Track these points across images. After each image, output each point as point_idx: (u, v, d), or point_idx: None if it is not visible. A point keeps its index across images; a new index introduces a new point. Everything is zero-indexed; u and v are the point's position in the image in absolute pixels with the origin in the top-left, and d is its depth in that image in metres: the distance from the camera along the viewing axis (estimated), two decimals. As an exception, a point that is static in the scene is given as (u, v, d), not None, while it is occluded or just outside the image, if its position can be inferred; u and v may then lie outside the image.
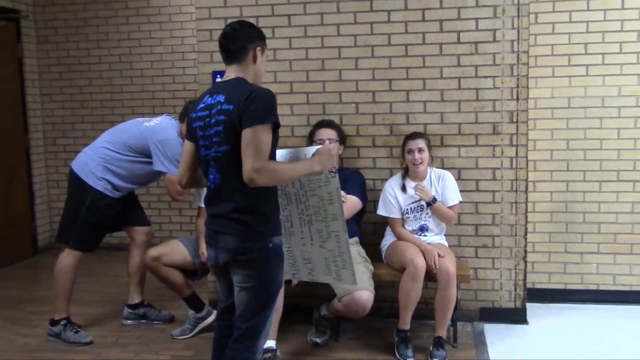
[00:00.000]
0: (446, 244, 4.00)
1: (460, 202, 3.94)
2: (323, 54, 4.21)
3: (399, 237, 3.93)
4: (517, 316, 4.22)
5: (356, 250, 3.89)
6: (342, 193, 3.80)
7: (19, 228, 6.30)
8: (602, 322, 4.30)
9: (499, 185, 4.11)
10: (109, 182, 3.98)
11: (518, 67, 4.01)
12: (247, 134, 2.44)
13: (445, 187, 3.89)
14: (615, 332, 4.13)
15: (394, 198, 3.91)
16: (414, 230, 3.92)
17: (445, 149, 4.13)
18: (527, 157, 4.09)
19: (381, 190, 4.03)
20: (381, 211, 3.98)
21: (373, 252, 4.04)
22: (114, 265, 5.80)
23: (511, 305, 4.22)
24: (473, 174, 4.13)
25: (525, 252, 4.16)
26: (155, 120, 4.10)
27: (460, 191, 3.97)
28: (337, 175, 2.79)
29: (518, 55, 4.00)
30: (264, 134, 2.45)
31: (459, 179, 4.07)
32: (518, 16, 3.97)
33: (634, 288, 4.57)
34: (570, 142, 4.54)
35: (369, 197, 4.11)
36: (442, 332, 3.73)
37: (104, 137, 4.11)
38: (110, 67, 6.45)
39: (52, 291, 4.12)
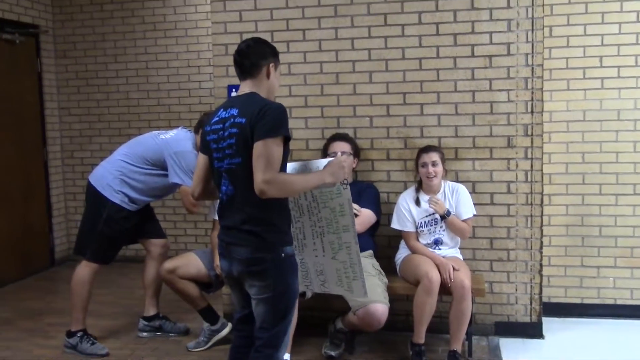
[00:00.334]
0: (461, 257, 3.99)
1: (474, 215, 3.93)
2: (337, 67, 4.23)
3: (413, 251, 3.92)
4: (533, 330, 4.19)
5: (370, 263, 3.89)
6: (357, 206, 3.82)
7: (37, 240, 6.37)
8: (619, 337, 4.26)
9: (514, 199, 4.09)
10: (126, 195, 4.02)
11: (532, 80, 4.01)
12: (258, 146, 2.49)
13: (459, 200, 3.88)
14: (632, 347, 4.08)
15: (407, 211, 3.92)
16: (429, 244, 3.91)
17: (459, 162, 4.13)
18: (542, 170, 4.08)
19: (395, 203, 4.03)
20: (395, 224, 3.98)
21: (387, 265, 4.04)
22: (130, 277, 5.84)
23: (527, 319, 4.19)
24: (487, 187, 4.12)
25: (541, 265, 4.14)
26: (171, 133, 4.14)
27: (475, 204, 3.96)
28: (348, 187, 2.81)
29: (532, 68, 4.00)
30: (274, 146, 2.49)
31: (473, 192, 4.06)
32: (532, 30, 3.97)
33: (652, 302, 4.53)
34: (585, 155, 4.52)
35: (383, 210, 4.11)
36: (457, 346, 3.71)
37: (120, 150, 4.16)
38: (127, 81, 6.53)
39: (69, 303, 4.16)
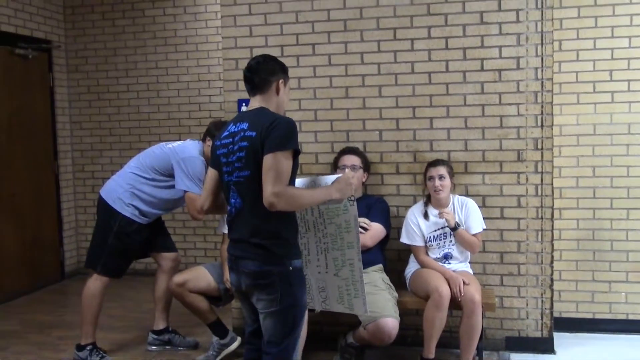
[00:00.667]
0: (471, 271, 3.97)
1: (484, 229, 3.91)
2: (347, 82, 4.25)
3: (423, 265, 3.91)
4: (544, 346, 4.15)
5: (380, 277, 3.88)
6: (367, 220, 3.82)
7: (47, 253, 6.40)
8: (631, 352, 4.21)
9: (524, 213, 4.08)
10: (137, 208, 4.04)
11: (542, 94, 4.00)
12: (268, 159, 2.52)
13: (468, 214, 3.87)
14: (645, 363, 4.04)
15: (416, 226, 3.91)
16: (438, 258, 3.90)
17: (469, 176, 4.12)
18: (552, 184, 4.06)
19: (404, 217, 4.02)
20: (404, 239, 3.97)
21: (397, 280, 4.03)
22: (139, 291, 5.85)
23: (538, 334, 4.15)
24: (498, 201, 4.11)
25: (552, 280, 4.11)
26: (179, 142, 4.19)
27: (485, 218, 3.95)
28: (355, 203, 2.82)
29: (542, 82, 4.00)
30: (284, 160, 2.52)
31: (483, 206, 4.05)
32: (542, 43, 3.98)
33: (665, 318, 4.49)
34: (596, 169, 4.50)
35: (393, 224, 4.10)
36: (468, 361, 3.69)
37: (131, 164, 4.19)
38: (138, 95, 6.58)
39: (79, 316, 4.17)
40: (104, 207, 4.09)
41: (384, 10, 4.15)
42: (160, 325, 4.37)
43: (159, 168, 4.06)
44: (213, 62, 6.36)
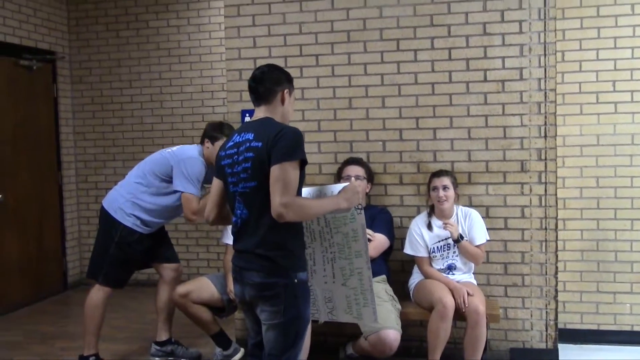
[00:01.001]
0: (475, 282, 3.96)
1: (487, 240, 3.90)
2: (350, 92, 4.26)
3: (427, 276, 3.90)
4: (548, 357, 4.13)
5: (383, 288, 3.87)
6: (370, 231, 3.81)
7: (50, 264, 6.39)
8: (637, 364, 4.20)
9: (528, 223, 4.07)
10: (138, 218, 4.03)
11: (546, 104, 4.01)
12: (275, 170, 2.50)
13: (472, 225, 3.87)
14: (651, 375, 4.02)
15: (419, 236, 3.90)
16: (442, 269, 3.89)
17: (473, 187, 4.11)
18: (556, 194, 4.06)
19: (408, 228, 4.01)
20: (408, 250, 3.96)
21: (401, 290, 4.02)
22: (142, 302, 5.83)
23: (542, 345, 4.13)
24: (501, 212, 4.10)
25: (556, 291, 4.10)
26: (178, 146, 4.21)
27: (489, 229, 3.94)
28: (362, 212, 2.81)
29: (545, 93, 4.00)
30: (291, 170, 2.51)
31: (487, 216, 4.04)
32: (545, 54, 3.99)
33: (670, 329, 4.46)
34: (600, 179, 4.50)
35: (397, 234, 4.10)
36: (472, 373, 3.66)
37: (131, 173, 4.18)
38: (142, 106, 6.60)
39: (82, 327, 4.16)
40: (105, 218, 4.09)
41: (387, 21, 4.17)
42: (163, 336, 4.35)
43: (159, 173, 4.04)
44: (216, 73, 6.38)
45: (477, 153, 4.11)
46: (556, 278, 4.09)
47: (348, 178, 3.94)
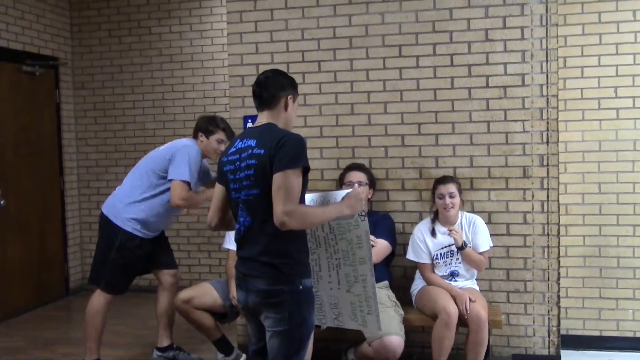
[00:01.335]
0: (477, 288, 3.95)
1: (491, 247, 3.90)
2: (352, 98, 4.26)
3: (429, 282, 3.89)
4: (551, 363, 4.13)
5: (386, 294, 3.87)
6: (372, 237, 3.81)
7: (52, 269, 6.39)
8: (639, 371, 4.19)
9: (530, 229, 4.07)
10: (138, 222, 4.01)
11: (548, 110, 4.01)
12: (278, 178, 2.48)
13: (476, 232, 3.86)
14: (654, 381, 4.01)
15: (422, 243, 3.89)
16: (444, 276, 3.88)
17: (475, 193, 4.11)
18: (558, 200, 4.05)
19: (411, 233, 4.01)
20: (410, 256, 3.95)
21: (403, 296, 4.01)
22: (143, 308, 5.82)
23: (545, 352, 4.12)
24: (503, 218, 4.10)
25: (559, 297, 4.09)
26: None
27: (491, 235, 3.94)
28: (366, 218, 2.80)
29: (547, 99, 4.00)
30: (294, 177, 2.49)
31: (489, 222, 4.04)
32: (547, 60, 3.99)
33: (673, 335, 4.45)
34: (602, 185, 4.50)
35: (399, 240, 4.09)
36: (474, 379, 3.66)
37: (128, 177, 4.17)
38: (144, 112, 6.61)
39: (83, 332, 4.15)
40: (105, 224, 4.09)
41: (389, 27, 4.18)
42: (164, 342, 4.34)
43: (157, 169, 4.02)
44: (219, 79, 6.39)
45: (479, 159, 4.11)
46: (558, 284, 4.08)
47: (350, 184, 3.94)
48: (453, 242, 3.80)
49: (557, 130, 4.04)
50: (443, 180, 3.89)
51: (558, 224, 4.06)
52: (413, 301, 3.99)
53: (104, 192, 6.57)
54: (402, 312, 3.83)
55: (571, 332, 4.53)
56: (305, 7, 4.28)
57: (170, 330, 4.34)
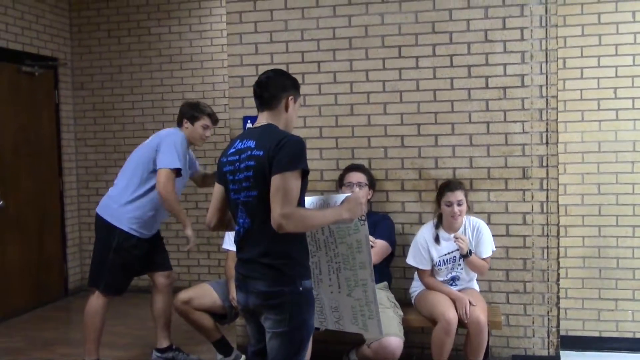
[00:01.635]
0: (477, 288, 3.95)
1: (493, 251, 3.87)
2: (352, 99, 4.26)
3: (428, 287, 3.86)
4: (550, 364, 4.13)
5: (385, 295, 3.86)
6: (371, 238, 3.80)
7: (51, 270, 6.38)
8: (639, 371, 4.19)
9: (530, 230, 4.06)
10: (134, 221, 4.00)
11: (547, 111, 4.01)
12: (276, 180, 2.47)
13: (479, 238, 3.80)
14: (653, 382, 4.01)
15: (425, 250, 3.82)
16: (445, 280, 3.85)
17: (474, 193, 4.11)
18: (557, 201, 4.05)
19: (410, 234, 4.01)
20: (410, 261, 3.89)
21: (402, 297, 4.01)
22: (143, 308, 5.79)
23: (544, 352, 4.12)
24: (503, 219, 4.10)
25: (558, 298, 4.09)
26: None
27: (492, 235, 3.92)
28: (366, 223, 2.78)
29: (547, 100, 4.01)
30: (293, 180, 2.48)
31: (488, 223, 4.03)
32: (546, 61, 3.99)
33: (672, 336, 4.46)
34: (601, 186, 4.51)
35: (398, 241, 4.09)
36: (474, 380, 3.66)
37: (119, 177, 4.17)
38: (143, 113, 6.61)
39: (83, 333, 4.15)
40: (101, 224, 4.08)
41: (389, 28, 4.18)
42: (163, 343, 4.33)
43: (145, 162, 4.02)
44: (218, 80, 6.39)
45: (478, 160, 4.11)
46: (558, 285, 4.08)
47: (350, 185, 3.94)
48: (457, 248, 3.74)
49: (557, 131, 4.03)
50: (451, 187, 3.79)
51: (557, 225, 4.06)
52: (412, 301, 3.99)
53: (103, 192, 6.43)
54: (401, 313, 3.83)
55: (571, 333, 4.53)
56: (305, 8, 4.28)
57: (168, 331, 4.34)
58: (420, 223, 4.15)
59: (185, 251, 6.38)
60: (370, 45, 4.21)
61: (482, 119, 4.09)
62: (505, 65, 4.04)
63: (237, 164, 2.63)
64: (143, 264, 4.21)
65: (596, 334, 4.54)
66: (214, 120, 4.20)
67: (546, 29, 3.98)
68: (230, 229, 2.84)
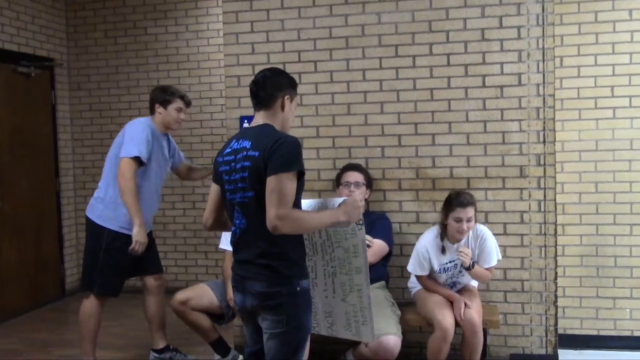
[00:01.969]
0: (475, 284, 3.94)
1: (499, 260, 3.79)
2: (349, 98, 4.26)
3: (426, 288, 3.83)
4: (548, 363, 4.13)
5: (383, 294, 3.86)
6: (369, 237, 3.80)
7: (48, 271, 6.37)
8: (637, 370, 4.19)
9: (527, 229, 4.06)
10: (122, 219, 3.96)
11: (544, 110, 4.01)
12: (271, 181, 2.45)
13: (483, 248, 3.72)
14: (651, 380, 4.01)
15: (426, 260, 3.75)
16: (445, 285, 3.83)
17: (472, 192, 4.10)
18: (555, 200, 4.05)
19: (407, 233, 4.00)
20: (410, 268, 3.82)
21: (400, 296, 4.01)
22: (139, 309, 5.75)
23: (542, 351, 4.12)
24: (500, 217, 4.09)
25: (556, 296, 4.09)
26: None
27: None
28: (363, 227, 2.76)
29: (544, 98, 4.00)
30: (288, 181, 2.46)
31: (486, 222, 4.03)
32: (543, 60, 3.99)
33: (670, 334, 4.46)
34: (599, 184, 4.50)
35: (396, 240, 4.09)
36: (472, 379, 3.65)
37: (102, 178, 4.13)
38: (140, 113, 6.55)
39: (79, 335, 4.13)
40: (90, 226, 4.06)
41: (386, 27, 4.17)
42: (160, 344, 4.31)
43: (115, 158, 3.99)
44: (215, 80, 6.38)
45: (476, 158, 4.10)
46: (556, 283, 4.08)
47: (347, 184, 3.93)
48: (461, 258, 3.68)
49: (554, 130, 4.03)
50: (462, 202, 3.61)
51: (555, 224, 4.06)
52: (411, 295, 3.96)
53: (100, 193, 6.55)
54: (399, 312, 3.83)
55: (568, 332, 4.53)
56: (302, 7, 4.28)
57: (163, 331, 4.32)
58: (418, 222, 4.15)
59: (182, 251, 6.45)
60: (366, 45, 4.20)
61: (479, 117, 4.08)
62: (502, 64, 4.04)
63: (233, 164, 2.62)
64: (135, 264, 4.14)
65: (594, 333, 4.54)
66: (187, 102, 4.15)
67: (543, 28, 3.98)
68: (227, 229, 2.82)
